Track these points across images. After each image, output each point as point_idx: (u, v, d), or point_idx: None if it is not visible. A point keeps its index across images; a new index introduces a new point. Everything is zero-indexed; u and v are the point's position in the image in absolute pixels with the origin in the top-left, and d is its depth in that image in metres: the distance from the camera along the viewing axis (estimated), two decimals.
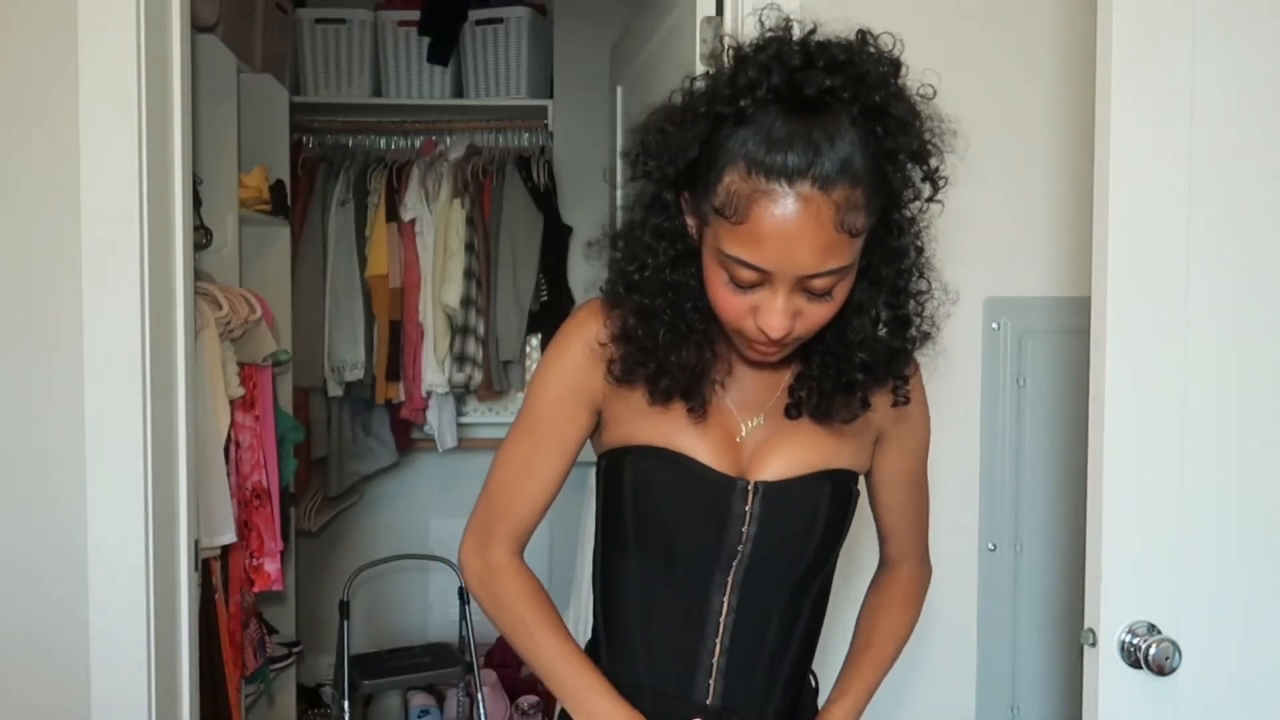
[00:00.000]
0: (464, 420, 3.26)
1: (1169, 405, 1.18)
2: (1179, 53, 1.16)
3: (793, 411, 1.08)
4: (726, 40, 1.01)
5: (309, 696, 3.16)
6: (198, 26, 2.04)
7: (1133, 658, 1.16)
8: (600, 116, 2.74)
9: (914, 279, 1.07)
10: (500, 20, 3.14)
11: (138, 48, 1.51)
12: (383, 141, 3.33)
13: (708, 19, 1.69)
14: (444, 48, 3.16)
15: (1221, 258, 1.19)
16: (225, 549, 2.05)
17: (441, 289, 3.04)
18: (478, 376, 3.07)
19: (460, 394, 3.19)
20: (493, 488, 1.11)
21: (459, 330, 3.05)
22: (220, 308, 2.00)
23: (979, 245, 1.63)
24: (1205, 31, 1.16)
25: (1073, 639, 1.62)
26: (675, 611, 1.08)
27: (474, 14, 3.16)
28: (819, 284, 0.95)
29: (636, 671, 1.09)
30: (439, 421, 3.13)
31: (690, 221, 1.00)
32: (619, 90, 2.51)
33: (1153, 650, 1.15)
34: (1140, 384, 1.17)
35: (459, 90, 3.24)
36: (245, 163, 2.45)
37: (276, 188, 2.63)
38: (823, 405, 1.06)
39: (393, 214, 3.09)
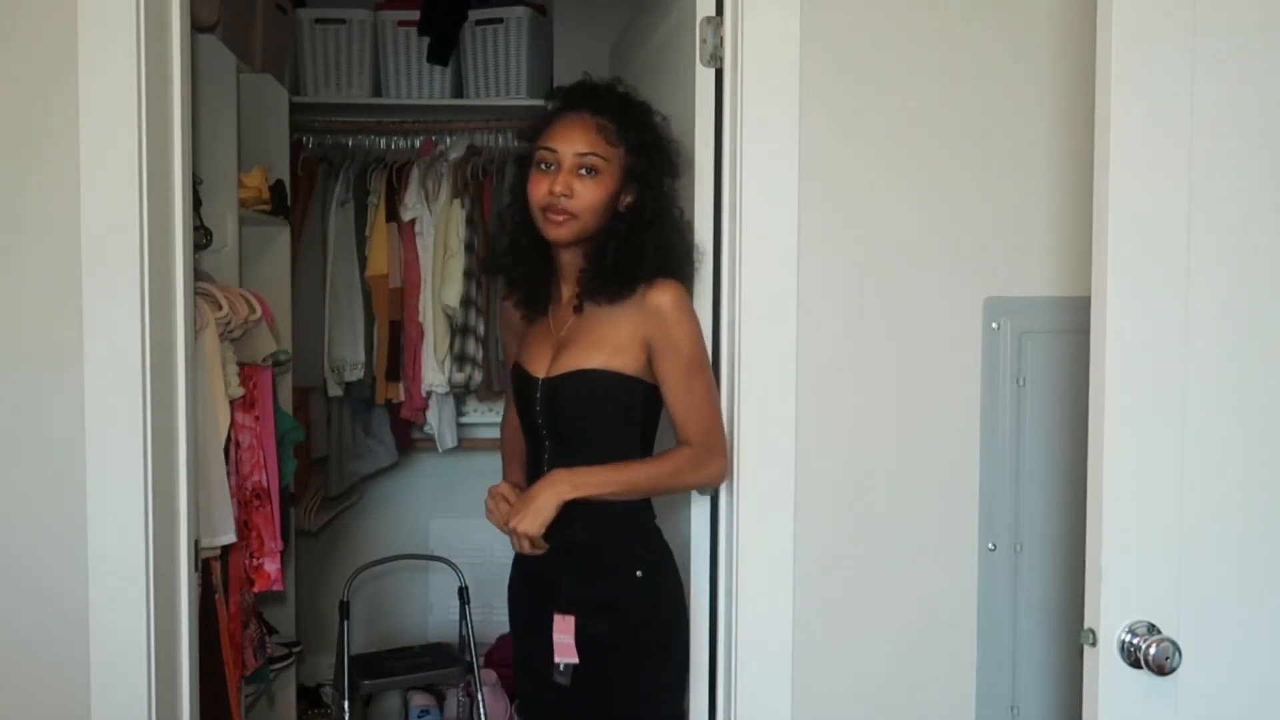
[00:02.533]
0: (464, 420, 3.26)
1: (1169, 405, 1.18)
2: (1179, 53, 1.16)
3: (578, 303, 1.66)
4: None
5: (309, 696, 3.16)
6: (198, 27, 2.04)
7: (1133, 657, 1.16)
8: None
9: (652, 224, 1.63)
10: (500, 20, 3.14)
11: (138, 48, 1.51)
12: (383, 141, 3.33)
13: (708, 19, 1.69)
14: (444, 48, 3.16)
15: (1221, 257, 1.19)
16: (225, 549, 2.05)
17: (441, 289, 3.04)
18: (478, 376, 3.07)
19: (460, 394, 3.18)
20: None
21: (459, 330, 3.05)
22: (220, 308, 2.00)
23: (979, 245, 1.63)
24: (1205, 32, 1.16)
25: (1073, 639, 1.62)
26: (531, 451, 1.74)
27: (474, 14, 3.16)
28: (586, 162, 1.59)
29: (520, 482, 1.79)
30: (439, 421, 3.13)
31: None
32: None
33: (1153, 650, 1.15)
34: (1140, 384, 1.17)
35: (459, 90, 3.24)
36: (245, 163, 2.45)
37: (276, 188, 2.63)
38: (593, 286, 1.62)
39: (393, 214, 3.09)
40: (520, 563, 1.75)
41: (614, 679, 1.64)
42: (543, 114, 1.68)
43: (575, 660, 1.60)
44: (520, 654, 1.81)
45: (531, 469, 1.71)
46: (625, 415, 1.62)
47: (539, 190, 1.60)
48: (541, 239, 1.64)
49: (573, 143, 1.59)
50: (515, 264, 1.72)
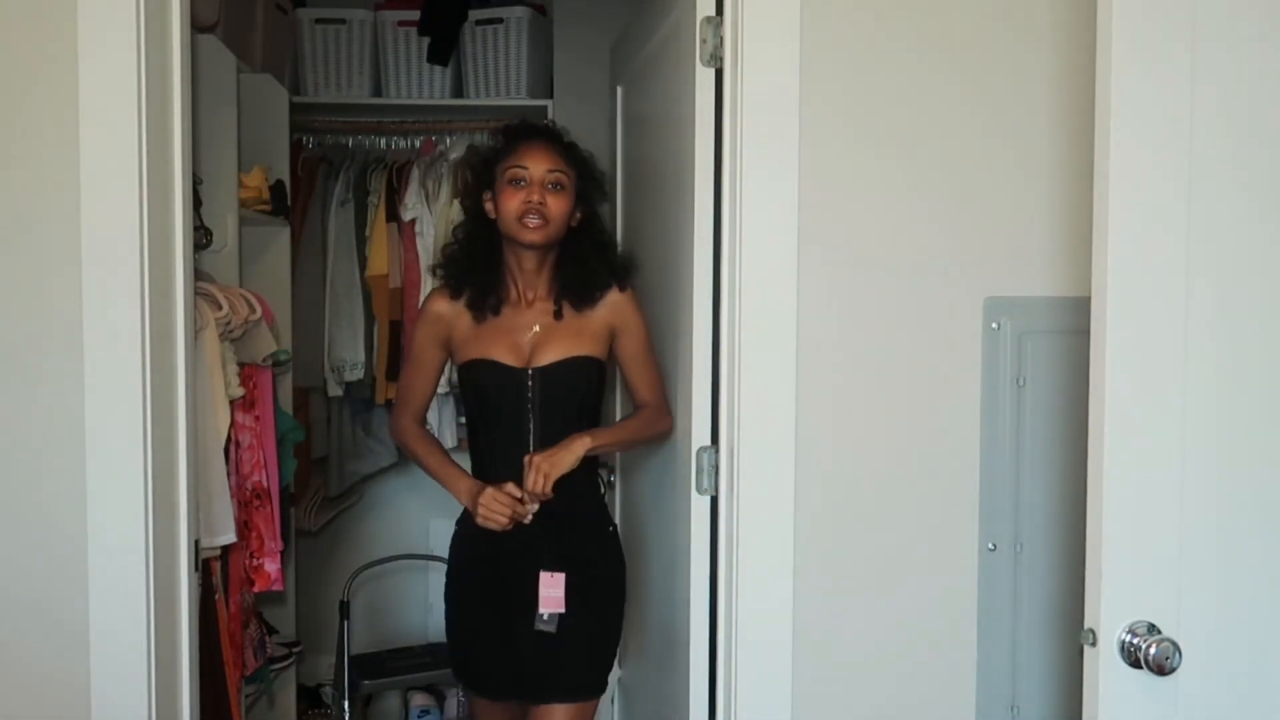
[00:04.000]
0: (464, 420, 3.26)
1: (1169, 405, 1.18)
2: (1179, 52, 1.16)
3: (558, 313, 1.97)
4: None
5: (309, 696, 3.15)
6: (198, 27, 2.04)
7: (1133, 657, 1.16)
8: (600, 116, 2.74)
9: (607, 240, 2.07)
10: (500, 20, 3.14)
11: (138, 48, 1.51)
12: (383, 141, 3.33)
13: (708, 19, 1.69)
14: (444, 48, 3.16)
15: (1221, 256, 1.19)
16: (225, 549, 2.05)
17: None
18: None
19: (459, 394, 3.18)
20: (400, 391, 2.13)
21: None
22: (220, 308, 2.00)
23: (979, 245, 1.63)
24: (1205, 31, 1.16)
25: (1073, 639, 1.62)
26: (507, 439, 1.96)
27: (474, 14, 3.16)
28: (554, 178, 1.92)
29: (491, 475, 1.96)
30: (439, 421, 3.13)
31: (488, 205, 1.98)
32: (619, 90, 2.51)
33: (1153, 650, 1.15)
34: (1140, 384, 1.17)
35: (459, 90, 3.24)
36: (245, 163, 2.45)
37: (276, 188, 2.63)
38: (578, 293, 1.96)
39: (393, 214, 3.09)
40: (480, 544, 1.96)
41: (598, 616, 1.98)
42: (493, 148, 2.03)
43: (563, 610, 1.90)
44: (471, 626, 2.01)
45: (505, 451, 1.94)
46: (597, 390, 1.99)
47: (513, 201, 1.90)
48: (493, 249, 1.99)
49: (541, 162, 1.92)
50: (472, 270, 1.99)
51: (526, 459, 1.87)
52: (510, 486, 1.89)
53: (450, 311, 1.98)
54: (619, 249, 2.12)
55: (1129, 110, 1.16)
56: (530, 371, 1.93)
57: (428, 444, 2.07)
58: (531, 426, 1.94)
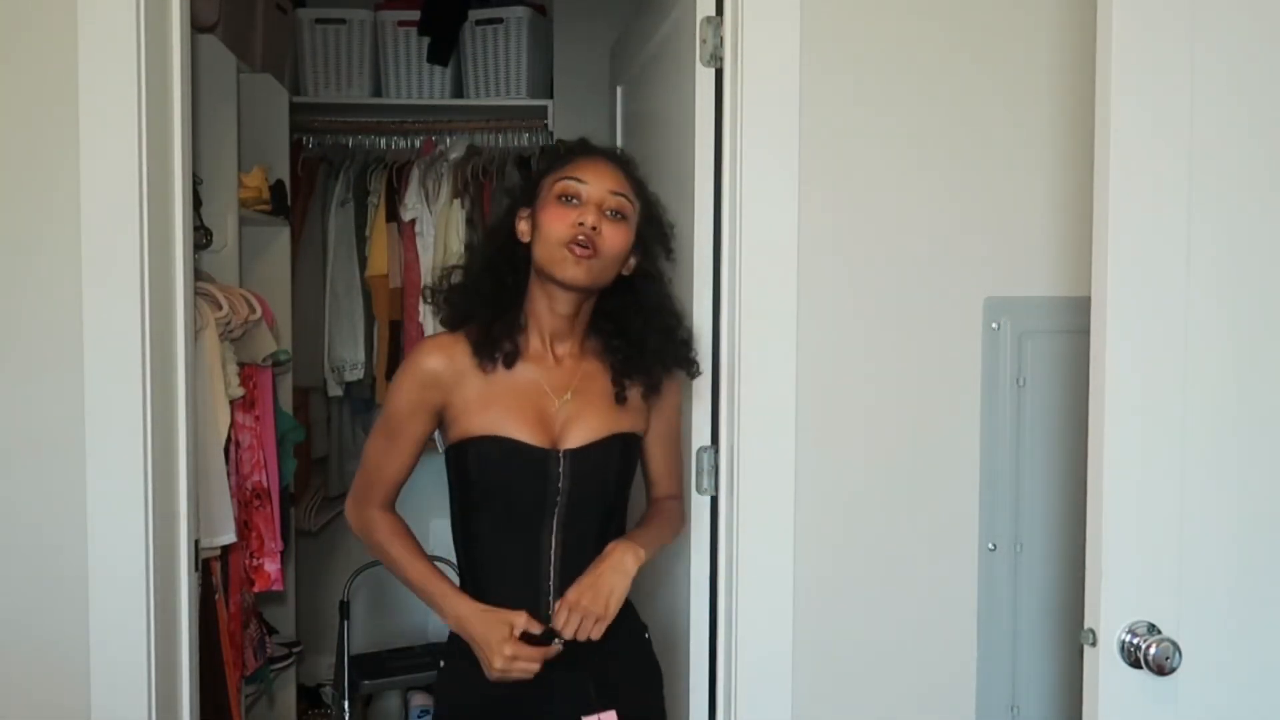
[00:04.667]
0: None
1: (1169, 405, 1.18)
2: (1178, 54, 1.16)
3: (621, 396, 1.52)
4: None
5: (309, 696, 3.15)
6: (198, 27, 2.04)
7: (1133, 657, 1.16)
8: (600, 116, 2.74)
9: (666, 299, 1.58)
10: (500, 20, 3.14)
11: (138, 48, 1.51)
12: (383, 141, 3.33)
13: (708, 19, 1.69)
14: (444, 48, 3.16)
15: (1221, 256, 1.19)
16: (225, 549, 2.05)
17: None
18: None
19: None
20: (366, 467, 1.54)
21: None
22: (220, 308, 2.00)
23: (979, 245, 1.63)
24: (1204, 33, 1.16)
25: (1073, 639, 1.62)
26: (516, 551, 1.47)
27: (474, 14, 3.16)
28: (616, 203, 1.46)
29: (491, 601, 1.46)
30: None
31: (522, 225, 1.52)
32: (619, 90, 2.51)
33: (1153, 650, 1.15)
34: (1140, 383, 1.17)
35: (459, 90, 3.24)
36: (245, 163, 2.45)
37: (276, 188, 2.63)
38: (636, 364, 1.52)
39: (393, 214, 3.09)
40: (490, 686, 1.42)
41: None
42: (555, 153, 1.55)
43: None
44: None
45: (516, 565, 1.46)
46: (632, 472, 1.55)
47: (562, 222, 1.43)
48: (517, 282, 1.50)
49: (604, 179, 1.46)
50: (487, 303, 1.48)
51: (562, 604, 1.40)
52: (528, 621, 1.42)
53: (450, 372, 1.46)
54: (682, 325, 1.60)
55: (1129, 109, 1.16)
56: (560, 455, 1.45)
57: (403, 542, 1.50)
58: (554, 530, 1.46)
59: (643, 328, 1.51)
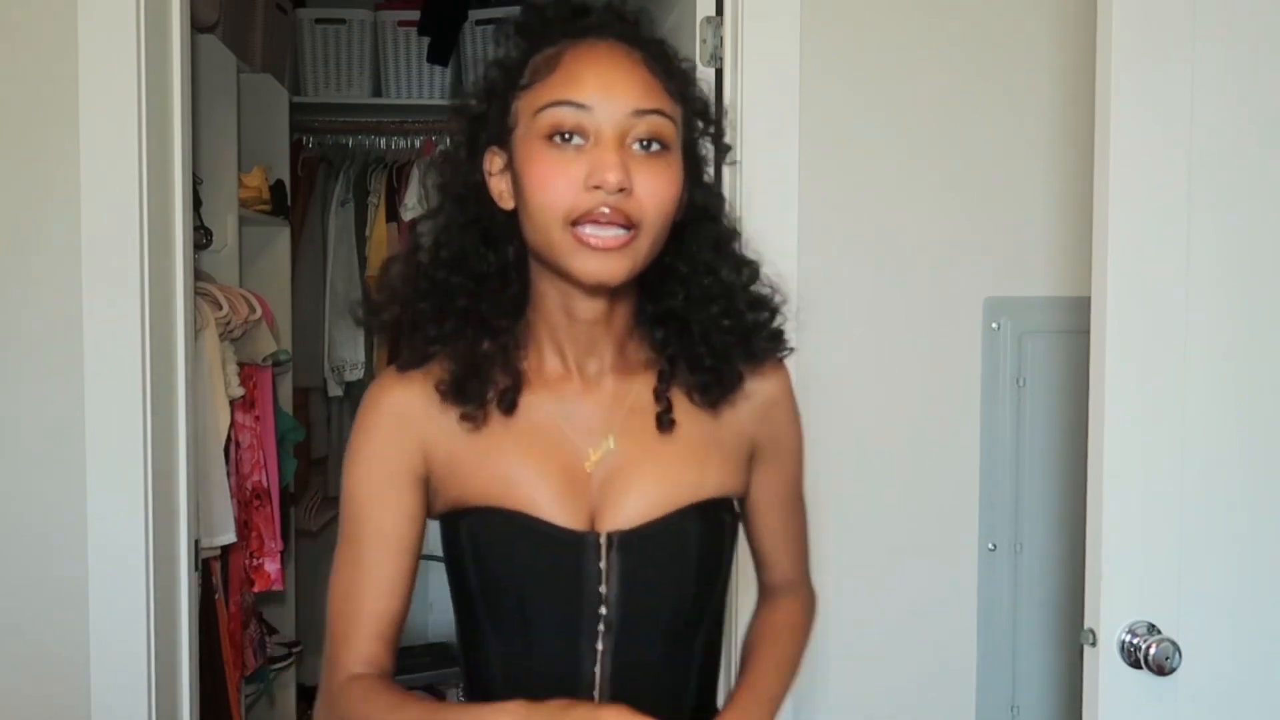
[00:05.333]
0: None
1: (1169, 405, 1.17)
2: (1178, 53, 1.16)
3: (665, 419, 0.94)
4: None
5: (309, 696, 3.15)
6: (198, 27, 2.04)
7: (1133, 658, 1.16)
8: None
9: (737, 245, 0.98)
10: (500, 20, 3.14)
11: (138, 48, 1.51)
12: (383, 141, 3.32)
13: (708, 19, 1.69)
14: (444, 48, 3.16)
15: (1222, 256, 1.18)
16: (225, 549, 2.05)
17: None
18: None
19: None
20: (334, 617, 0.92)
21: None
22: (220, 308, 2.00)
23: (979, 245, 1.63)
24: (1205, 32, 1.16)
25: (1073, 639, 1.62)
26: (543, 682, 0.89)
27: (474, 14, 3.16)
28: (646, 126, 0.86)
29: None
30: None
31: (494, 179, 0.91)
32: None
33: (1153, 650, 1.14)
34: (1140, 383, 1.17)
35: (459, 90, 3.24)
36: (245, 163, 2.45)
37: (276, 188, 2.63)
38: (702, 376, 0.95)
39: (393, 214, 3.09)
40: None
41: None
42: (527, 33, 0.91)
43: None
44: None
45: (546, 677, 0.92)
46: (725, 558, 0.97)
47: (561, 184, 0.85)
48: (506, 277, 0.93)
49: (620, 88, 0.86)
50: (452, 329, 0.92)
51: None
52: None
53: (423, 407, 0.93)
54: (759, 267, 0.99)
55: (1129, 108, 1.16)
56: (602, 541, 0.92)
57: (385, 700, 0.89)
58: (599, 655, 0.92)
59: (705, 296, 0.94)
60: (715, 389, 0.96)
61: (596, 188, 0.84)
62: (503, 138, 0.91)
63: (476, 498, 0.93)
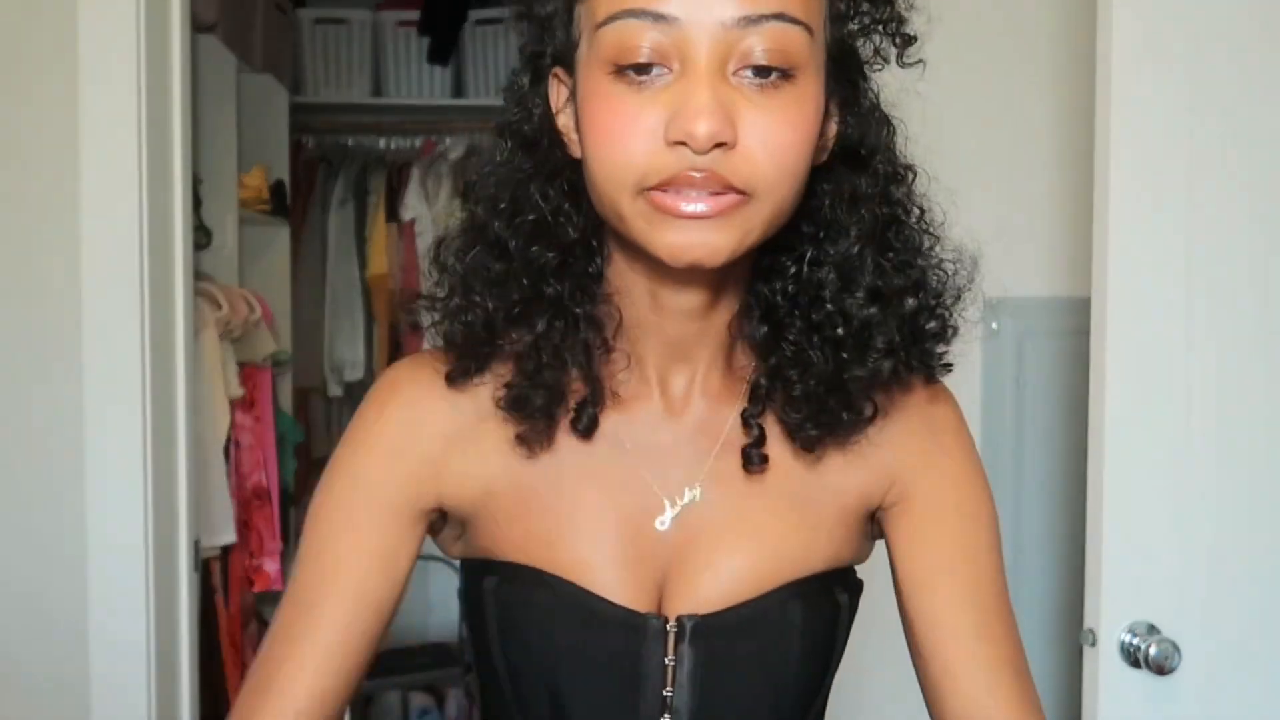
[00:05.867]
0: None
1: (1169, 406, 1.17)
2: (1179, 53, 1.16)
3: (754, 455, 0.68)
4: None
5: None
6: (197, 27, 2.04)
7: (1133, 658, 1.16)
8: None
9: (910, 213, 0.71)
10: (500, 20, 3.14)
11: (138, 48, 1.51)
12: (383, 141, 3.32)
13: None
14: (444, 48, 3.16)
15: (1223, 256, 1.18)
16: (225, 549, 2.05)
17: None
18: None
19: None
20: (246, 679, 0.70)
21: None
22: (220, 308, 2.00)
23: (979, 245, 1.62)
24: (1206, 32, 1.16)
25: (1073, 639, 1.62)
26: None
27: (474, 14, 3.16)
28: (762, 43, 0.58)
29: None
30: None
31: (564, 118, 0.66)
32: None
33: (1153, 650, 1.14)
34: (1140, 384, 1.17)
35: (459, 90, 3.23)
36: (245, 163, 2.45)
37: (276, 188, 2.63)
38: (812, 411, 0.67)
39: (393, 214, 3.09)
40: None
41: None
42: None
43: None
44: None
45: None
46: (837, 649, 0.75)
47: (628, 135, 0.60)
48: (586, 250, 0.69)
49: None
50: (540, 320, 0.68)
51: None
52: None
53: (450, 417, 0.71)
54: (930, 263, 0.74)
55: (1128, 109, 1.16)
56: (671, 627, 0.68)
57: None
58: None
59: (814, 282, 0.67)
60: (810, 429, 0.67)
61: (680, 143, 0.58)
62: (567, 56, 0.65)
63: (511, 551, 0.69)
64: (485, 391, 0.69)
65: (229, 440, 2.03)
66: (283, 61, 3.00)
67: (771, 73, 0.59)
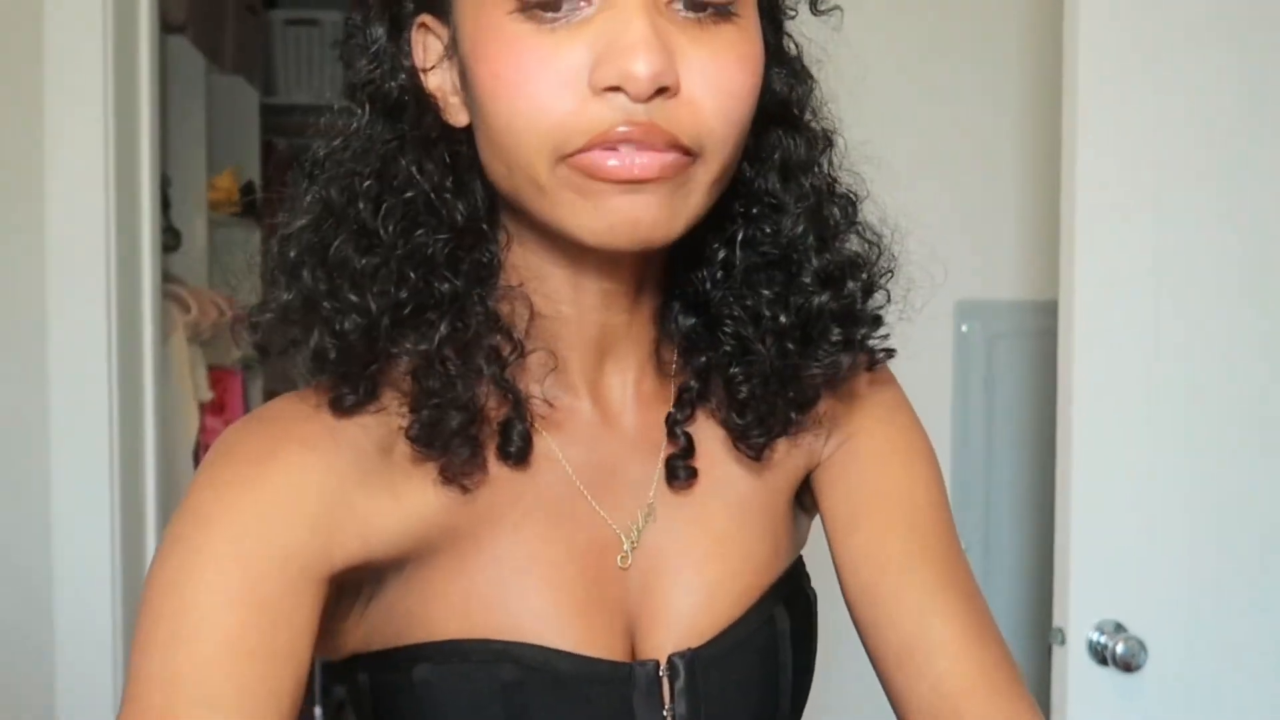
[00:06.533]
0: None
1: (1137, 406, 1.19)
2: (1145, 52, 1.18)
3: (681, 469, 0.59)
4: None
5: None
6: (167, 28, 2.02)
7: (1100, 656, 1.17)
8: None
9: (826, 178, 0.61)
10: None
11: (104, 49, 1.49)
12: None
13: None
14: None
15: (1191, 257, 1.20)
16: None
17: None
18: None
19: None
20: None
21: None
22: (189, 310, 1.98)
23: (949, 248, 1.64)
24: (1173, 30, 1.18)
25: (1043, 638, 1.64)
26: None
27: None
28: None
29: None
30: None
31: (435, 79, 0.54)
32: None
33: (1119, 648, 1.16)
34: (1108, 385, 1.19)
35: None
36: (215, 164, 2.43)
37: (246, 189, 2.61)
38: (760, 415, 0.59)
39: None
40: None
41: None
42: None
43: None
44: None
45: None
46: (814, 649, 0.68)
47: (544, 82, 0.47)
48: (479, 239, 0.56)
49: None
50: (434, 325, 0.53)
51: None
52: None
53: (346, 459, 0.52)
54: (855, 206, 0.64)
55: (1094, 113, 1.17)
56: (665, 672, 0.57)
57: None
58: None
59: (789, 264, 0.59)
60: (757, 433, 0.59)
61: (613, 89, 0.47)
62: (436, 2, 0.53)
63: (448, 621, 0.54)
64: (383, 422, 0.53)
65: (197, 444, 2.01)
66: (254, 63, 2.98)
67: (708, 7, 0.49)
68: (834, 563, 0.65)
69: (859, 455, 0.65)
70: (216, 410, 2.11)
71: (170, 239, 2.08)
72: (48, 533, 1.52)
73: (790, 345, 0.58)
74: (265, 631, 0.47)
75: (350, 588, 0.53)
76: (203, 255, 2.33)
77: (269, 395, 2.91)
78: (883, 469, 0.65)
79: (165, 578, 0.48)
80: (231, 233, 2.61)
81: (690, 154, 0.48)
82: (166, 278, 1.90)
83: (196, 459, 2.01)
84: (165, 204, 2.03)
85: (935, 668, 0.60)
